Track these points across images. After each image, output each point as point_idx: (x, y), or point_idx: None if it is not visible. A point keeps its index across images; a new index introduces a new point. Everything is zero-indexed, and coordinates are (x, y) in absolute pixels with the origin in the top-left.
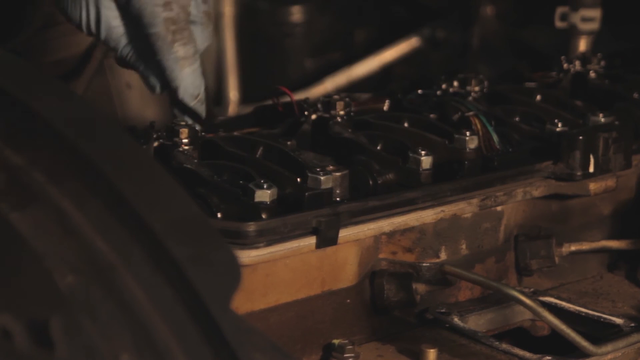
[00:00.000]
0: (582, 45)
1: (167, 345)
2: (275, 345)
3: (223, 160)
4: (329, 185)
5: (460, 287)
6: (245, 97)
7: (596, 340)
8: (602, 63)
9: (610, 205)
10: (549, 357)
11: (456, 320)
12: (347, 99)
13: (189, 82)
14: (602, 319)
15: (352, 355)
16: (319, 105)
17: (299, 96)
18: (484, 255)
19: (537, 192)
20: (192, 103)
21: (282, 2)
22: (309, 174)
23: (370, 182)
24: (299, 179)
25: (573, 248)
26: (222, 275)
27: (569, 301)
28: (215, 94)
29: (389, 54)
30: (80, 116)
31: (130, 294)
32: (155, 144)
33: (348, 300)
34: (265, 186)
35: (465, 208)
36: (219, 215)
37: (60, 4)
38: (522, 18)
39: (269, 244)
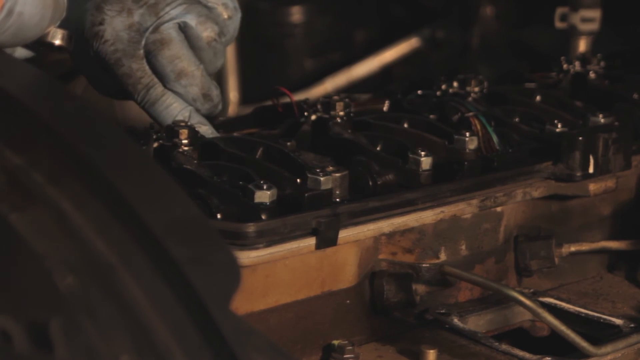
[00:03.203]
0: (582, 45)
1: (166, 346)
2: (275, 346)
3: (223, 161)
4: (329, 186)
5: (460, 287)
6: (245, 97)
7: (596, 341)
8: (602, 63)
9: (610, 205)
10: (549, 358)
11: (456, 320)
12: (346, 100)
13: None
14: (601, 320)
15: (352, 356)
16: (319, 106)
17: (298, 97)
18: (484, 256)
19: (536, 193)
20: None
21: (282, 3)
22: (309, 175)
23: (370, 183)
24: (298, 180)
25: (573, 249)
26: (221, 276)
27: (568, 302)
28: None
29: (389, 54)
30: (80, 117)
31: (130, 295)
32: (155, 144)
33: (348, 301)
34: (264, 187)
35: (465, 209)
36: (218, 216)
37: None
38: (522, 18)
39: (269, 244)
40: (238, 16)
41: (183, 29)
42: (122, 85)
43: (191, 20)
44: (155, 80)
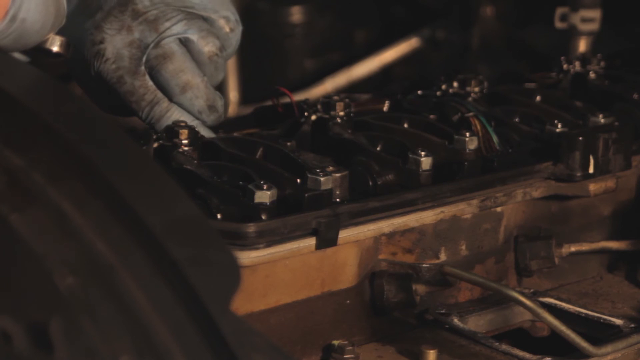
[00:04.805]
0: (582, 45)
1: (166, 346)
2: (275, 346)
3: (223, 161)
4: (329, 186)
5: (460, 288)
6: (245, 97)
7: (596, 341)
8: (602, 64)
9: (610, 206)
10: (549, 358)
11: (456, 321)
12: (346, 100)
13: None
14: (602, 320)
15: (352, 356)
16: (319, 106)
17: (298, 97)
18: (484, 256)
19: (536, 193)
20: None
21: (282, 3)
22: (309, 175)
23: (370, 183)
24: (298, 180)
25: (573, 249)
26: (221, 276)
27: (568, 302)
28: None
29: (389, 55)
30: (80, 117)
31: (130, 295)
32: (155, 144)
33: (348, 301)
34: (265, 187)
35: (465, 209)
36: (218, 216)
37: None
38: (522, 18)
39: (269, 245)
40: (239, 29)
41: (184, 43)
42: (126, 103)
43: (192, 35)
44: (160, 96)
